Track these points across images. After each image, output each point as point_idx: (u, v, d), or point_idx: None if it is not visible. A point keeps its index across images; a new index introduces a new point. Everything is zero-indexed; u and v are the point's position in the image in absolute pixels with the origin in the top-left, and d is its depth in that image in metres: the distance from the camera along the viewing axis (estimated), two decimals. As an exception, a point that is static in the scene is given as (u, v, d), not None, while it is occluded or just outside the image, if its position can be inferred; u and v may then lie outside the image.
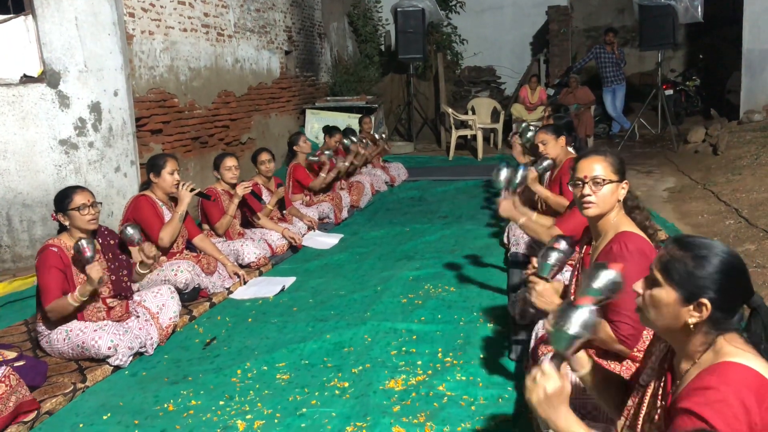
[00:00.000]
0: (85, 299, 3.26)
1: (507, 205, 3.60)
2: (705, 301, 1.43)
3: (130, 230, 3.60)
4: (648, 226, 2.38)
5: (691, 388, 1.40)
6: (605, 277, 1.72)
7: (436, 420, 2.70)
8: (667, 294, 1.47)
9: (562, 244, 2.41)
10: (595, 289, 1.70)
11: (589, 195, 2.31)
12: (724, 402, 1.31)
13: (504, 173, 3.73)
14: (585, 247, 2.47)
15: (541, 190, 4.30)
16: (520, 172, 3.82)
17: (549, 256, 2.39)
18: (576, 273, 2.47)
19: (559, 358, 1.61)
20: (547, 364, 1.57)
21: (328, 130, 7.27)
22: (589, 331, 1.59)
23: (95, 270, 3.20)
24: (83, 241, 3.20)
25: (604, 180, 2.30)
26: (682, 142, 9.53)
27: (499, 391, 2.93)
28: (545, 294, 2.40)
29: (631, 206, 2.38)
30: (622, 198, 2.33)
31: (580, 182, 2.35)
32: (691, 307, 1.44)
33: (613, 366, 2.27)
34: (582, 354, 1.80)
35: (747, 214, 5.54)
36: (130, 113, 5.59)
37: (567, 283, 2.65)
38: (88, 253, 3.18)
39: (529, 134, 5.53)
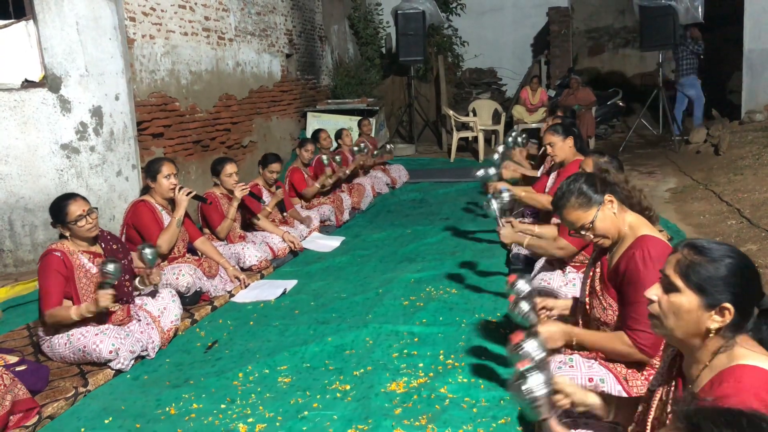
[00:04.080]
0: (86, 317, 3.25)
1: (508, 232, 3.75)
2: (728, 305, 1.41)
3: (148, 253, 3.53)
4: (645, 208, 2.38)
5: (708, 397, 1.38)
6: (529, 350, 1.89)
7: (437, 422, 2.69)
8: (688, 300, 1.45)
9: (521, 285, 2.44)
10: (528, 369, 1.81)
11: (591, 237, 2.33)
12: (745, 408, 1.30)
13: (495, 204, 4.02)
14: (600, 252, 2.43)
15: (516, 192, 4.51)
16: (496, 204, 4.09)
17: (519, 308, 2.39)
18: (589, 278, 2.44)
19: (547, 420, 1.68)
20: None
21: (315, 135, 7.17)
22: (550, 385, 1.70)
23: (105, 298, 3.16)
24: (110, 266, 3.16)
25: (591, 223, 2.29)
26: (684, 143, 9.52)
27: (501, 393, 2.92)
28: (554, 334, 2.39)
29: (623, 197, 2.36)
30: (616, 210, 2.30)
31: (577, 232, 2.37)
32: (714, 312, 1.43)
33: (620, 369, 2.26)
34: (598, 399, 1.86)
35: (749, 214, 5.53)
36: (131, 117, 5.61)
37: (579, 297, 2.59)
38: (109, 279, 3.17)
39: (509, 140, 5.77)
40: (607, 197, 2.30)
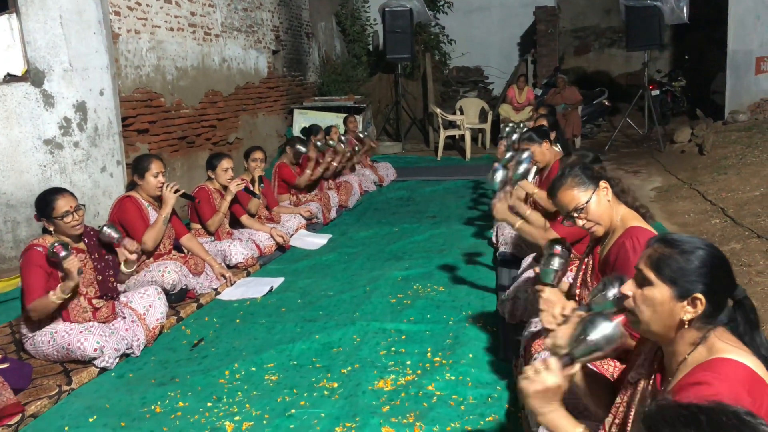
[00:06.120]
0: (66, 296, 3.20)
1: (502, 207, 3.55)
2: (699, 295, 1.44)
3: (106, 230, 3.51)
4: (639, 206, 2.40)
5: (684, 383, 1.41)
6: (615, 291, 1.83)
7: (425, 420, 2.69)
8: (660, 292, 1.48)
9: (561, 249, 2.42)
10: (610, 301, 1.81)
11: (585, 224, 2.34)
12: (716, 397, 1.32)
13: (500, 174, 3.70)
14: (594, 245, 2.45)
15: (531, 188, 4.32)
16: (501, 175, 3.74)
17: (551, 262, 2.37)
18: (582, 271, 2.45)
19: (569, 359, 1.61)
20: (553, 360, 1.58)
21: (310, 130, 7.20)
22: (611, 346, 1.60)
23: (73, 262, 3.13)
24: (54, 243, 3.17)
25: (584, 205, 2.31)
26: (669, 142, 9.61)
27: (488, 391, 2.92)
28: (553, 299, 2.39)
29: (618, 191, 2.39)
30: (610, 198, 2.33)
31: (570, 217, 2.38)
32: (686, 302, 1.46)
33: (606, 367, 2.26)
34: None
35: (733, 213, 5.59)
36: (116, 113, 5.54)
37: (571, 282, 2.62)
38: (63, 252, 3.14)
39: (515, 136, 5.55)
40: (603, 183, 2.33)
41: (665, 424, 1.02)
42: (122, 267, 3.62)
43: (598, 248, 2.39)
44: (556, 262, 2.36)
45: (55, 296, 3.16)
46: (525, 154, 3.91)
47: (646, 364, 1.64)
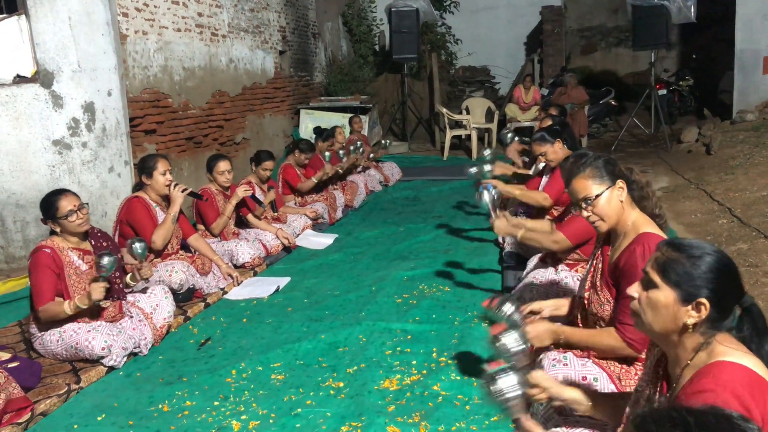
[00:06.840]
0: (80, 310, 3.23)
1: (501, 224, 3.59)
2: (704, 300, 1.44)
3: (138, 247, 3.50)
4: (657, 214, 2.35)
5: (688, 392, 1.40)
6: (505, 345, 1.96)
7: (430, 419, 2.70)
8: (665, 295, 1.48)
9: (507, 308, 2.33)
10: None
11: (590, 216, 2.30)
12: (722, 404, 1.32)
13: (486, 196, 3.73)
14: (602, 247, 2.42)
15: (511, 190, 4.41)
16: (488, 196, 3.77)
17: (503, 310, 2.30)
18: (590, 273, 2.43)
19: (519, 420, 1.73)
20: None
21: (319, 133, 7.25)
22: (523, 386, 1.73)
23: (97, 291, 3.15)
24: (105, 259, 3.16)
25: (594, 197, 2.26)
26: (676, 142, 9.58)
27: (493, 391, 2.93)
28: (541, 334, 2.38)
29: (638, 196, 2.33)
30: (624, 198, 2.27)
31: (577, 206, 2.34)
32: (690, 307, 1.46)
33: (613, 368, 2.27)
34: (577, 394, 1.88)
35: (740, 213, 5.57)
36: (123, 113, 5.58)
37: (578, 293, 2.57)
38: (104, 272, 3.17)
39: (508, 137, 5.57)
40: (620, 182, 2.28)
41: (653, 425, 1.02)
42: (127, 279, 3.64)
43: (607, 249, 2.37)
44: (507, 308, 2.31)
45: (69, 308, 3.19)
46: (485, 196, 3.80)
47: (652, 371, 1.65)
